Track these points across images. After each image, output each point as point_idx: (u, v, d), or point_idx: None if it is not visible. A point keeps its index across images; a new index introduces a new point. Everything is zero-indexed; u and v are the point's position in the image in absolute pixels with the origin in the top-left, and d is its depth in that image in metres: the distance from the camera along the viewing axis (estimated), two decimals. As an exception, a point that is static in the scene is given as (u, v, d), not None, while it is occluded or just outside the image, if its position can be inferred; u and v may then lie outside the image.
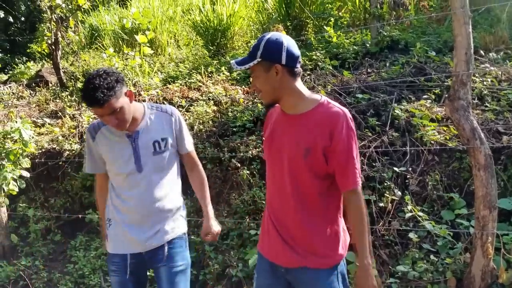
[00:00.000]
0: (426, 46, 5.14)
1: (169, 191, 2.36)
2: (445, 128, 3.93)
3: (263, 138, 2.18)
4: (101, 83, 2.07)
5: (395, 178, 3.70)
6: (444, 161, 3.77)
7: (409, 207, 3.43)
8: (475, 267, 2.93)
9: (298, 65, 1.89)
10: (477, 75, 4.45)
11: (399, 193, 3.61)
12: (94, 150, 2.35)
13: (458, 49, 2.84)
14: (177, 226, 2.41)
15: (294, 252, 1.95)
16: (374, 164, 3.78)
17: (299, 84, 1.91)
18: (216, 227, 2.43)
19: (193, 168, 2.51)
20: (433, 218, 3.47)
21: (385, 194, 3.58)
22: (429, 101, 4.24)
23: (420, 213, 3.39)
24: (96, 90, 2.05)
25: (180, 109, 5.24)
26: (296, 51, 1.88)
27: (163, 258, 2.33)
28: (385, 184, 3.64)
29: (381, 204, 3.56)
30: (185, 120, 4.91)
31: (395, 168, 3.72)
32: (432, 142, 3.80)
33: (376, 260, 3.35)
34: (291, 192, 1.93)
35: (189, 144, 2.44)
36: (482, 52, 4.91)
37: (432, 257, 3.24)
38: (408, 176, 3.71)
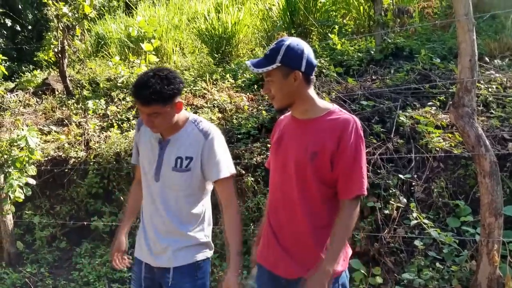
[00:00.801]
0: (430, 53, 5.14)
1: (184, 214, 2.17)
2: (450, 135, 3.92)
3: (271, 144, 2.15)
4: (157, 85, 1.98)
5: (400, 185, 3.69)
6: (449, 168, 3.75)
7: (415, 214, 3.42)
8: (481, 275, 2.91)
9: (313, 74, 1.92)
10: (482, 82, 4.44)
11: (404, 200, 3.59)
12: (136, 141, 2.31)
13: (462, 56, 2.83)
14: (190, 253, 2.18)
15: (294, 262, 1.91)
16: (379, 171, 3.77)
17: (312, 91, 1.92)
18: (234, 284, 2.04)
19: (223, 203, 2.17)
20: (438, 225, 3.45)
21: (390, 201, 3.56)
22: (434, 108, 4.23)
23: (426, 221, 3.37)
24: (148, 89, 1.97)
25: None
26: (314, 59, 1.89)
27: (169, 282, 2.16)
28: (390, 191, 3.62)
29: (386, 212, 3.55)
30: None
31: (400, 175, 3.70)
32: (437, 149, 3.79)
33: (382, 268, 3.34)
34: (298, 198, 1.90)
35: (218, 172, 2.12)
36: (487, 58, 4.90)
37: (438, 264, 3.21)
38: (413, 183, 3.70)
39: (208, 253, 2.26)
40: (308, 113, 1.91)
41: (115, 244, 2.41)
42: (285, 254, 1.94)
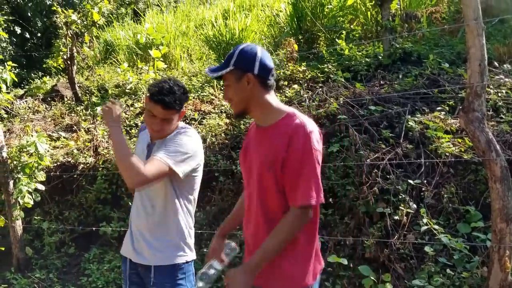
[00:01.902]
0: (439, 58, 5.12)
1: (166, 214, 2.25)
2: (460, 140, 3.89)
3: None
4: (179, 93, 2.17)
5: (410, 190, 3.67)
6: (459, 173, 3.73)
7: (425, 220, 3.39)
8: (493, 281, 2.87)
9: (271, 78, 1.85)
10: (491, 86, 4.41)
11: (414, 206, 3.57)
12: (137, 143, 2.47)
13: (472, 61, 2.82)
14: (172, 253, 2.26)
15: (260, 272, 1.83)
16: (388, 176, 3.75)
17: (271, 96, 1.86)
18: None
19: None
20: (449, 231, 3.42)
21: (400, 207, 3.54)
22: (443, 113, 4.21)
23: (436, 226, 3.34)
24: (173, 95, 2.15)
25: (193, 122, 5.28)
26: (270, 63, 1.84)
27: (150, 281, 2.25)
28: (400, 196, 3.60)
29: (396, 217, 3.52)
30: (198, 133, 4.95)
31: (410, 181, 3.68)
32: (447, 154, 3.76)
33: (392, 274, 3.31)
34: (260, 208, 1.84)
35: (160, 152, 2.14)
36: (496, 63, 4.87)
37: (448, 271, 3.18)
38: (423, 189, 3.67)
39: (189, 256, 2.32)
40: (266, 120, 1.86)
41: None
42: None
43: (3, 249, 4.80)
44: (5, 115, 6.61)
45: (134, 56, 7.95)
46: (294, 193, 1.74)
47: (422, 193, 3.67)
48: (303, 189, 1.72)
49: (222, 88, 5.99)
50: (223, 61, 1.87)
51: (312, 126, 1.78)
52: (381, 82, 4.99)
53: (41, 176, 4.51)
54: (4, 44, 10.70)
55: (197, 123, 5.23)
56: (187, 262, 2.31)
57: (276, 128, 1.82)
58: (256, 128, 1.93)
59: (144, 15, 10.33)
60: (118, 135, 2.10)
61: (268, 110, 1.85)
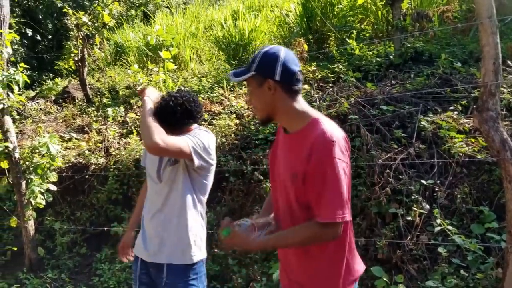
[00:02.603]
0: (451, 57, 5.07)
1: (175, 209, 2.29)
2: (473, 140, 3.84)
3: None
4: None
5: (423, 191, 3.63)
6: (473, 173, 3.68)
7: (438, 221, 3.35)
8: (508, 282, 2.82)
9: (297, 83, 1.72)
10: (504, 85, 4.35)
11: (427, 206, 3.53)
12: None
13: (486, 59, 2.78)
14: (184, 252, 2.28)
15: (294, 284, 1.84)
16: (400, 177, 3.72)
17: (298, 102, 1.74)
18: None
19: None
20: (462, 232, 3.38)
21: (413, 208, 3.50)
22: (456, 112, 4.16)
23: (450, 227, 3.30)
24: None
25: (203, 123, 5.29)
26: (294, 67, 1.70)
27: (162, 282, 2.27)
28: (413, 197, 3.57)
29: (409, 218, 3.49)
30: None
31: (423, 181, 3.64)
32: (460, 154, 3.72)
33: (404, 276, 3.27)
34: (287, 221, 1.77)
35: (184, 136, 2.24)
36: (509, 62, 4.80)
37: (462, 272, 3.14)
38: (436, 189, 3.63)
39: (201, 255, 2.35)
40: (292, 126, 1.75)
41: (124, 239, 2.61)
42: (285, 274, 1.89)
43: (15, 249, 4.86)
44: (17, 117, 6.67)
45: (144, 58, 7.98)
46: (318, 208, 1.62)
47: (435, 194, 3.63)
48: (327, 204, 1.60)
49: (232, 89, 6.00)
50: (248, 62, 1.78)
51: (336, 134, 1.65)
52: (393, 81, 4.95)
53: (53, 176, 4.54)
54: (16, 46, 10.80)
55: (207, 123, 5.23)
56: (199, 262, 2.32)
57: (300, 136, 1.71)
58: (284, 134, 1.82)
59: (153, 16, 10.37)
60: (148, 105, 2.22)
61: (294, 116, 1.74)
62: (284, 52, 1.71)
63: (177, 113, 2.25)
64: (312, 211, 1.65)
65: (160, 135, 2.08)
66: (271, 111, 1.75)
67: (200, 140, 2.22)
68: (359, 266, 1.84)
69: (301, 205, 1.70)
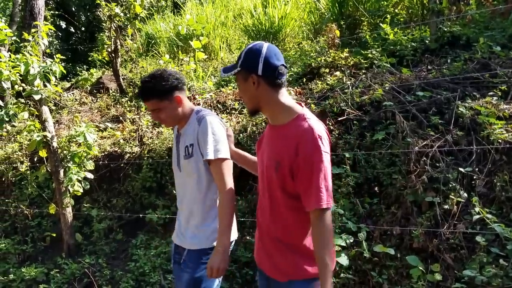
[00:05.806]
0: (489, 41, 4.88)
1: (198, 201, 2.38)
2: (514, 126, 3.70)
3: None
4: (150, 84, 2.33)
5: (461, 179, 3.53)
6: (513, 160, 3.55)
7: (477, 209, 3.26)
8: (553, 273, 2.73)
9: (281, 77, 1.85)
10: (548, 69, 4.16)
11: (465, 194, 3.43)
12: None
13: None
14: (197, 240, 2.38)
15: (274, 265, 1.96)
16: (437, 164, 3.62)
17: (282, 95, 1.88)
18: (215, 263, 2.16)
19: (217, 187, 2.32)
20: (502, 220, 3.27)
21: (450, 196, 3.41)
22: (495, 98, 4.01)
23: (489, 215, 3.20)
24: (143, 88, 2.34)
25: (233, 111, 5.30)
26: (276, 61, 1.83)
27: (181, 259, 2.43)
28: (450, 185, 3.47)
29: (446, 207, 3.40)
30: (238, 123, 4.96)
31: (461, 169, 3.54)
32: (500, 141, 3.59)
33: (441, 265, 3.21)
34: (268, 206, 1.94)
35: (205, 154, 2.27)
36: (553, 45, 4.59)
37: (501, 261, 3.04)
38: (474, 177, 3.53)
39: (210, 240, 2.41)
40: (277, 119, 1.90)
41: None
42: (267, 258, 2.00)
43: (54, 235, 5.02)
44: (53, 107, 6.86)
45: (175, 48, 8.05)
46: (307, 197, 1.77)
47: (473, 182, 3.53)
48: (314, 194, 1.75)
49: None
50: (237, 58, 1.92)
51: (320, 128, 1.81)
52: (429, 67, 4.81)
53: (90, 165, 4.65)
54: (51, 39, 11.09)
55: (237, 112, 5.24)
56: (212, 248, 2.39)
57: (285, 129, 1.85)
58: (269, 126, 1.98)
59: (183, 6, 10.42)
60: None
61: (278, 109, 1.89)
62: (266, 48, 1.84)
63: (151, 83, 2.34)
64: (302, 201, 1.80)
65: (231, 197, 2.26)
66: (257, 104, 1.91)
67: (215, 139, 2.30)
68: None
69: (287, 193, 1.85)
